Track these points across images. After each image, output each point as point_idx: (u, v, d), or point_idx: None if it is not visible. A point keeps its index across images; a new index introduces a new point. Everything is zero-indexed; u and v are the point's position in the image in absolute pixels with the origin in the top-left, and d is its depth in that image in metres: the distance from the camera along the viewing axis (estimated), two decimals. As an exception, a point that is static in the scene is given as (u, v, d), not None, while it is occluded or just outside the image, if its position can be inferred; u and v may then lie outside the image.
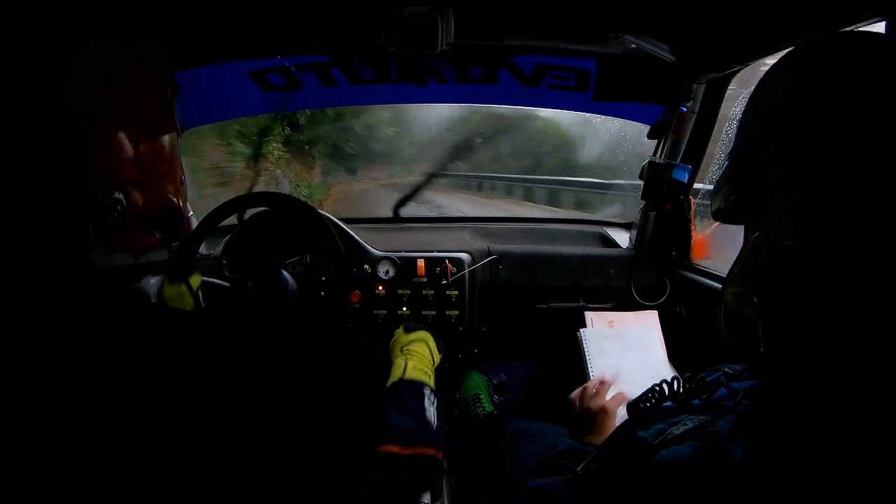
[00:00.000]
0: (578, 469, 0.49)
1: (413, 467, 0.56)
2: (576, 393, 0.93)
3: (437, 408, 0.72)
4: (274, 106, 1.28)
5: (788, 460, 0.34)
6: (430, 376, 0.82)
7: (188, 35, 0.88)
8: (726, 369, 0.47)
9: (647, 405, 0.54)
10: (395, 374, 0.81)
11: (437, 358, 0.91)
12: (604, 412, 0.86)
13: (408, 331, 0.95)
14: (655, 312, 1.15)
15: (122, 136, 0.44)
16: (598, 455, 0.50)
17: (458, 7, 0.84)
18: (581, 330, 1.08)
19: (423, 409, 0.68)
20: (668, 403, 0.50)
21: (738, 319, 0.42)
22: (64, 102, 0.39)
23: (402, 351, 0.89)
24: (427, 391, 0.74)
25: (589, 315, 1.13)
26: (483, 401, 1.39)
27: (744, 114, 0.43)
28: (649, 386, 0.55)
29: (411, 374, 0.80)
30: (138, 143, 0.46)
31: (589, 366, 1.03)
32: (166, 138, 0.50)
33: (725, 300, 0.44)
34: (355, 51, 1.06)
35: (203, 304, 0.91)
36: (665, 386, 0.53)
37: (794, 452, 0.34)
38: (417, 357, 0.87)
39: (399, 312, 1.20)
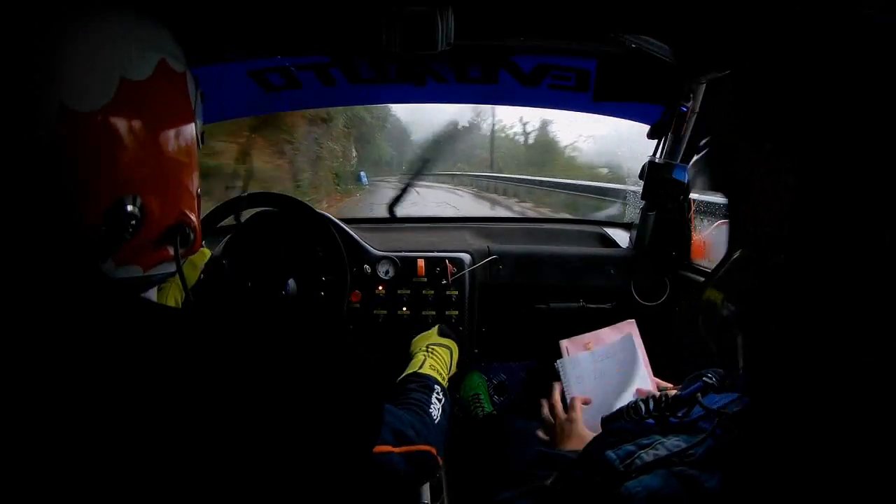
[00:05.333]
0: (547, 482, 0.49)
1: (408, 464, 0.55)
2: (545, 404, 0.96)
3: (445, 406, 0.73)
4: (274, 106, 1.28)
5: (764, 492, 0.33)
6: (444, 378, 0.84)
7: (188, 35, 0.88)
8: (706, 378, 0.47)
9: (623, 420, 0.54)
10: (413, 367, 0.84)
11: (453, 370, 0.94)
12: (569, 422, 0.88)
13: (441, 333, 1.00)
14: (633, 321, 1.14)
15: (142, 144, 0.42)
16: (565, 472, 0.49)
17: (458, 7, 0.84)
18: (558, 361, 1.08)
19: (429, 402, 0.68)
20: (649, 420, 0.50)
21: (718, 327, 0.41)
22: (78, 106, 0.37)
23: (426, 348, 0.92)
24: (437, 387, 0.75)
25: (563, 343, 1.12)
26: (483, 401, 1.39)
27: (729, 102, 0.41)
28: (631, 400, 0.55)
29: (428, 370, 0.82)
30: (159, 152, 0.44)
31: (569, 396, 1.02)
32: (187, 149, 0.48)
33: (705, 304, 0.43)
34: (355, 51, 1.06)
35: (202, 277, 0.91)
36: (641, 405, 0.53)
37: (770, 484, 0.33)
38: (438, 358, 0.89)
39: (399, 312, 1.20)
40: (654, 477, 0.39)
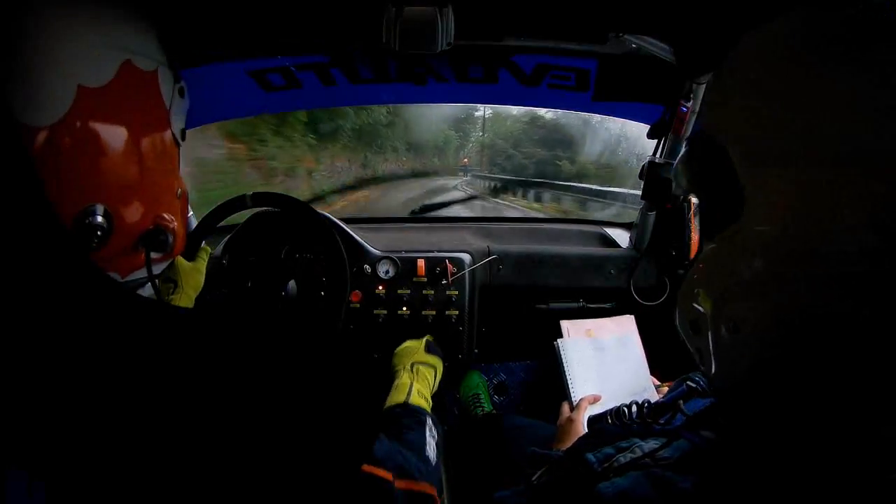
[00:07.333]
0: (533, 479, 0.49)
1: (409, 501, 0.54)
2: (565, 406, 0.95)
3: (439, 442, 0.71)
4: (275, 106, 1.28)
5: (738, 493, 0.33)
6: (430, 403, 0.81)
7: (188, 35, 0.88)
8: (689, 382, 0.46)
9: (607, 423, 0.54)
10: (400, 394, 0.80)
11: (436, 389, 0.91)
12: (569, 422, 0.87)
13: (428, 350, 0.95)
14: (632, 317, 1.14)
15: (106, 152, 0.39)
16: (549, 469, 0.50)
17: (458, 7, 0.84)
18: (558, 340, 1.06)
19: (424, 444, 0.67)
20: (634, 426, 0.50)
21: (690, 328, 0.41)
22: (30, 121, 0.34)
23: (411, 367, 0.88)
24: (429, 422, 0.73)
25: (564, 324, 1.10)
26: (483, 401, 1.39)
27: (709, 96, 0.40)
28: (627, 398, 0.55)
29: (416, 399, 0.78)
30: (128, 158, 0.41)
31: (568, 377, 1.01)
32: (162, 150, 0.45)
33: (679, 303, 0.42)
34: (355, 51, 1.06)
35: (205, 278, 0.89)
36: (625, 409, 0.53)
37: (744, 485, 0.33)
38: (423, 380, 0.85)
39: (399, 312, 1.20)
40: (626, 478, 0.39)
